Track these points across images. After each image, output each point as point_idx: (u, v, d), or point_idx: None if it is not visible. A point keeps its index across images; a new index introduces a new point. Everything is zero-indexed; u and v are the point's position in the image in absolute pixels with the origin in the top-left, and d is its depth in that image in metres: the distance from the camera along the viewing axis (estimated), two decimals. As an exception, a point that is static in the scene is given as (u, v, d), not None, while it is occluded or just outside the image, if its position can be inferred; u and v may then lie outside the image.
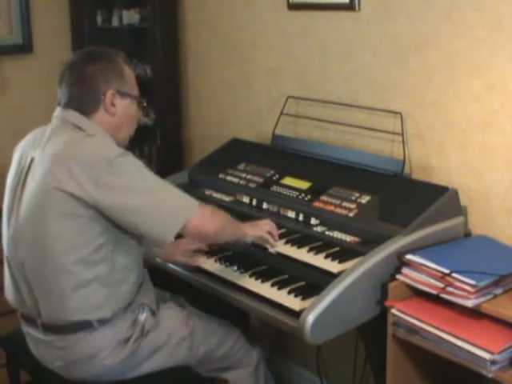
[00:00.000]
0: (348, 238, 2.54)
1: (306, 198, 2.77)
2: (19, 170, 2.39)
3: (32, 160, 2.34)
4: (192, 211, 2.29)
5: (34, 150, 2.37)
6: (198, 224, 2.31)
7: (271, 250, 2.57)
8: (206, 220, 2.34)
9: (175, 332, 2.50)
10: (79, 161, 2.21)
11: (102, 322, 2.33)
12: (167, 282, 2.72)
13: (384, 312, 2.32)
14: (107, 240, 2.28)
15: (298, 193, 2.82)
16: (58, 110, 2.43)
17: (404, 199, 2.58)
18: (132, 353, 2.39)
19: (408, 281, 2.30)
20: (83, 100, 2.38)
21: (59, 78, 2.43)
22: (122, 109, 2.43)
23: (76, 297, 2.29)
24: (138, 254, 2.42)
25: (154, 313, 2.48)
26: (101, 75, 2.39)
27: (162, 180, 2.33)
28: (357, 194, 2.68)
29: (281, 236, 2.61)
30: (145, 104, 2.55)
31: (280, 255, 2.53)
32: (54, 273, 2.27)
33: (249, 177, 3.05)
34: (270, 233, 2.56)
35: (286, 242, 2.58)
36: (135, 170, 2.27)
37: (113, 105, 2.40)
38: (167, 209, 2.27)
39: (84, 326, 2.33)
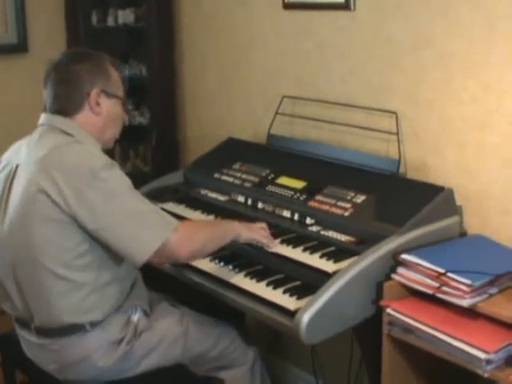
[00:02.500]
0: (343, 238, 2.54)
1: (302, 198, 2.77)
2: (5, 178, 2.38)
3: (17, 166, 2.34)
4: (167, 235, 2.24)
5: (20, 155, 2.36)
6: (174, 248, 2.26)
7: (268, 249, 2.56)
8: (183, 244, 2.29)
9: (169, 332, 2.50)
10: (63, 168, 2.20)
11: (94, 324, 2.33)
12: (161, 281, 2.71)
13: (379, 311, 2.31)
14: (91, 247, 2.26)
15: (293, 192, 2.82)
16: (43, 117, 2.42)
17: (399, 199, 2.58)
18: (126, 354, 2.39)
19: (403, 280, 2.29)
20: (68, 99, 2.37)
21: (44, 79, 2.42)
22: (106, 109, 2.41)
23: (66, 300, 2.29)
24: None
25: (146, 313, 2.48)
26: (86, 74, 2.37)
27: (142, 199, 2.29)
28: (352, 194, 2.68)
29: (275, 235, 2.61)
30: (130, 106, 2.53)
31: (275, 255, 2.53)
32: (43, 277, 2.26)
33: (244, 176, 3.04)
34: (265, 237, 2.55)
35: (281, 242, 2.58)
36: (117, 185, 2.23)
37: (97, 104, 2.38)
38: (142, 232, 2.22)
39: (76, 328, 2.33)
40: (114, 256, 2.31)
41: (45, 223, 2.22)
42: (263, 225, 2.60)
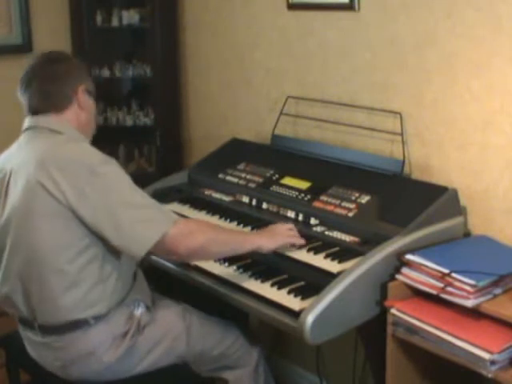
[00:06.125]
0: (348, 238, 2.54)
1: (306, 198, 2.77)
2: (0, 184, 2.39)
3: (11, 170, 2.35)
4: (166, 229, 2.24)
5: (12, 161, 2.38)
6: (172, 242, 2.26)
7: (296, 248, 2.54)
8: (183, 238, 2.27)
9: (172, 327, 2.52)
10: (60, 165, 2.23)
11: (98, 318, 2.34)
12: (164, 282, 2.72)
13: (383, 312, 2.32)
14: (92, 241, 2.27)
15: (297, 193, 2.82)
16: (28, 121, 2.45)
17: (403, 199, 2.58)
18: (130, 349, 2.40)
19: (408, 281, 2.29)
20: (56, 96, 2.41)
21: (26, 81, 2.46)
22: (89, 106, 2.50)
23: (69, 296, 2.30)
24: None
25: (149, 308, 2.49)
26: (74, 71, 2.46)
27: (141, 193, 2.30)
28: (356, 194, 2.68)
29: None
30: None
31: (279, 255, 2.53)
32: (45, 273, 2.28)
33: (248, 177, 3.05)
34: (291, 236, 2.53)
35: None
36: (115, 180, 2.25)
37: (84, 100, 2.46)
38: (140, 226, 2.23)
39: (80, 324, 2.34)
40: (115, 249, 2.32)
41: (45, 219, 2.24)
42: (289, 225, 2.58)
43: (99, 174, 2.22)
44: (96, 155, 2.28)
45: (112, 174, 2.26)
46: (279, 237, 2.50)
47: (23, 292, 2.36)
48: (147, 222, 2.25)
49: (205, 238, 2.33)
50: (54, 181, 2.21)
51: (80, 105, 2.45)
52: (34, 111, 2.43)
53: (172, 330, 2.51)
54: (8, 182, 2.35)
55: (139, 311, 2.45)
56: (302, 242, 2.53)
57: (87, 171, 2.21)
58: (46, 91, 2.42)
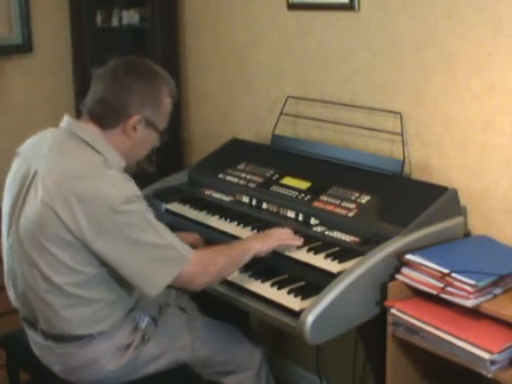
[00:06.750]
0: (348, 238, 2.54)
1: (306, 198, 2.77)
2: (22, 178, 2.30)
3: (36, 172, 2.25)
4: (181, 270, 2.23)
5: (39, 159, 2.27)
6: (187, 280, 2.28)
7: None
8: (197, 276, 2.29)
9: (176, 339, 2.50)
10: (81, 196, 2.13)
11: (102, 333, 2.33)
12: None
13: (384, 312, 2.32)
14: (99, 269, 2.24)
15: (297, 193, 2.82)
16: (67, 120, 2.32)
17: (404, 199, 2.58)
18: (133, 359, 2.38)
19: (408, 281, 2.30)
20: (108, 109, 2.27)
21: (97, 74, 2.31)
22: (140, 136, 2.33)
23: (75, 315, 2.28)
24: None
25: (155, 320, 2.47)
26: (137, 94, 2.27)
27: (159, 231, 2.23)
28: (356, 194, 2.68)
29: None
30: (166, 139, 2.47)
31: (279, 255, 2.53)
32: (50, 292, 2.25)
33: (248, 177, 3.04)
34: (287, 239, 2.53)
35: (286, 242, 2.58)
36: (134, 220, 2.17)
37: (134, 129, 2.30)
38: (154, 268, 2.20)
39: (84, 337, 2.32)
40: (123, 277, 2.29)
41: (54, 242, 2.19)
42: (285, 230, 2.58)
43: (120, 212, 2.13)
44: (121, 191, 2.16)
45: (133, 212, 2.17)
46: (273, 239, 2.50)
47: (27, 303, 2.35)
48: (161, 263, 2.21)
49: (218, 268, 2.35)
50: (71, 211, 2.14)
51: (126, 131, 2.29)
52: (85, 107, 2.31)
53: (177, 342, 2.49)
54: (29, 187, 2.26)
55: (144, 323, 2.42)
56: (298, 242, 2.53)
57: (109, 209, 2.12)
58: (101, 96, 2.28)
